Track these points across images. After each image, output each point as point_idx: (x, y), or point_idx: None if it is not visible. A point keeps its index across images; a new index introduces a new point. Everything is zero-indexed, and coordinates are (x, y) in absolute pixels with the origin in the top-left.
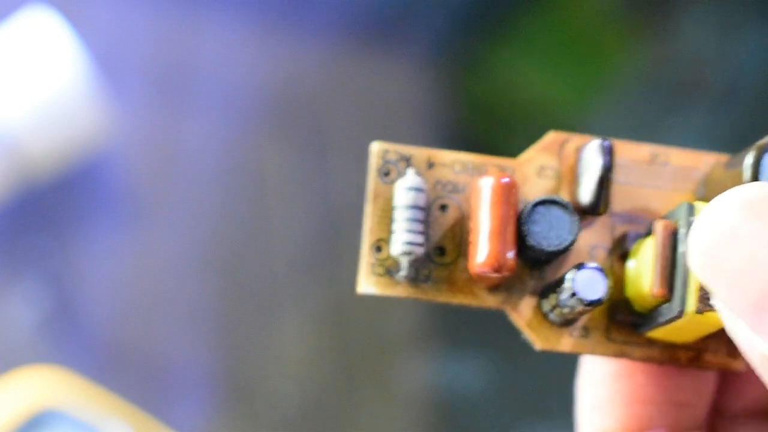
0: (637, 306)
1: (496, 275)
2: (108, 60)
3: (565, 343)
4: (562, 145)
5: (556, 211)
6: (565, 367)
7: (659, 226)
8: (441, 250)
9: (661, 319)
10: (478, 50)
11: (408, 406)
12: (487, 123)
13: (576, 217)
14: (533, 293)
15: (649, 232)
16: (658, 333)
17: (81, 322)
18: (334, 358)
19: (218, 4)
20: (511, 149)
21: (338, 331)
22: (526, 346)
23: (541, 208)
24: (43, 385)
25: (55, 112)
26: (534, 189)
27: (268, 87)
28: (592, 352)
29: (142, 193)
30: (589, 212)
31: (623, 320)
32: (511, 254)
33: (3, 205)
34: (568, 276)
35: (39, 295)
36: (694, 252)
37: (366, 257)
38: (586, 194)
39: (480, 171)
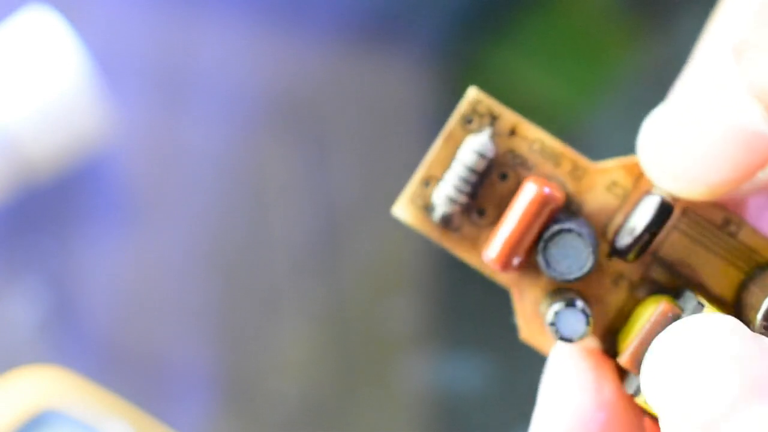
0: (621, 348)
1: (500, 269)
2: (108, 60)
3: (546, 345)
4: (642, 174)
5: (578, 243)
6: None
7: (661, 306)
8: (481, 213)
9: (627, 382)
10: (478, 50)
11: (408, 405)
12: None
13: (591, 261)
14: (543, 288)
15: (669, 293)
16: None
17: (81, 322)
18: (334, 358)
19: (218, 4)
20: None
21: (338, 331)
22: (525, 347)
23: (566, 234)
24: (43, 385)
25: (55, 112)
26: (595, 200)
27: (268, 87)
28: None
29: (142, 193)
30: (616, 254)
31: (606, 351)
32: (516, 261)
33: (3, 205)
34: (555, 306)
35: (39, 295)
36: (649, 370)
37: (413, 185)
38: (624, 238)
39: (555, 159)
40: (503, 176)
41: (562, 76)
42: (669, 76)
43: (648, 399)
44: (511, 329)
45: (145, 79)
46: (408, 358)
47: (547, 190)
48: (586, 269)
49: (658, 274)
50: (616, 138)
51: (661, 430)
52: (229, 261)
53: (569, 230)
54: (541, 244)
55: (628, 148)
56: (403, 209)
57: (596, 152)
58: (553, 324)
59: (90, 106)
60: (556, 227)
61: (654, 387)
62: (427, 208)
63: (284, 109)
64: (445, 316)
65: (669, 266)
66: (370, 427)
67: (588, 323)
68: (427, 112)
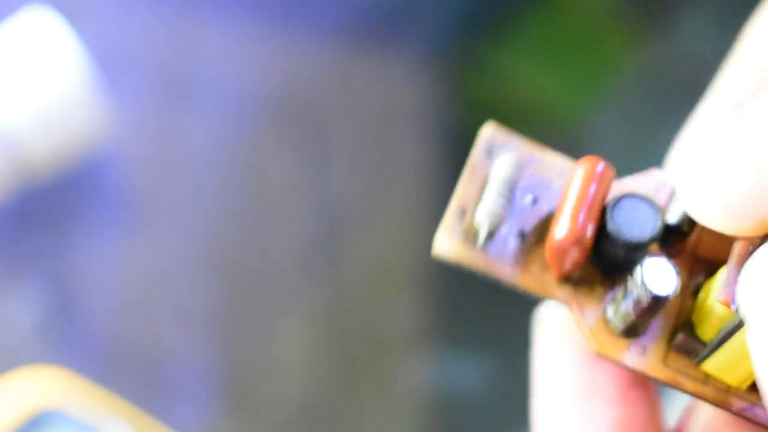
0: (701, 330)
1: (572, 250)
2: (108, 60)
3: (621, 354)
4: (661, 184)
5: (643, 208)
6: None
7: (738, 243)
8: (522, 236)
9: (722, 334)
10: (478, 50)
11: (408, 405)
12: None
13: (660, 221)
14: (600, 299)
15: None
16: (713, 362)
17: (81, 322)
18: (333, 358)
19: (218, 4)
20: None
21: (338, 331)
22: (526, 347)
23: (629, 201)
24: (43, 385)
25: (56, 112)
26: None
27: (269, 87)
28: (645, 371)
29: (143, 193)
30: (674, 231)
31: (682, 345)
32: (590, 229)
33: (3, 205)
34: (640, 265)
35: (39, 295)
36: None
37: (449, 218)
38: (673, 215)
39: None
40: (534, 201)
41: (562, 76)
42: (669, 76)
43: (743, 312)
44: (511, 329)
45: (145, 79)
46: (408, 358)
47: (601, 165)
48: (658, 228)
49: (701, 270)
50: (616, 138)
51: (750, 342)
52: (230, 261)
53: (632, 196)
54: (609, 213)
55: (628, 147)
56: (446, 242)
57: (596, 152)
58: (642, 283)
59: (90, 106)
60: (617, 197)
61: (747, 300)
62: (468, 239)
63: (284, 109)
64: (445, 316)
65: (709, 263)
66: (370, 427)
67: (678, 273)
68: (427, 113)
